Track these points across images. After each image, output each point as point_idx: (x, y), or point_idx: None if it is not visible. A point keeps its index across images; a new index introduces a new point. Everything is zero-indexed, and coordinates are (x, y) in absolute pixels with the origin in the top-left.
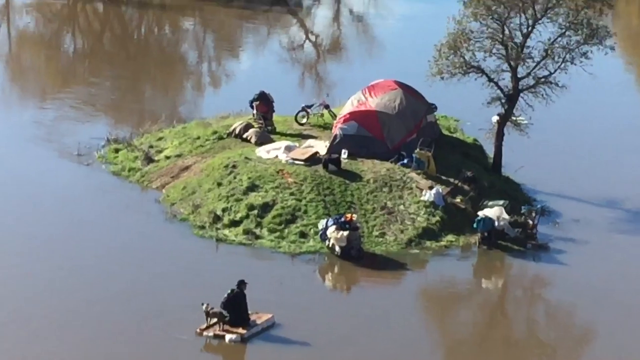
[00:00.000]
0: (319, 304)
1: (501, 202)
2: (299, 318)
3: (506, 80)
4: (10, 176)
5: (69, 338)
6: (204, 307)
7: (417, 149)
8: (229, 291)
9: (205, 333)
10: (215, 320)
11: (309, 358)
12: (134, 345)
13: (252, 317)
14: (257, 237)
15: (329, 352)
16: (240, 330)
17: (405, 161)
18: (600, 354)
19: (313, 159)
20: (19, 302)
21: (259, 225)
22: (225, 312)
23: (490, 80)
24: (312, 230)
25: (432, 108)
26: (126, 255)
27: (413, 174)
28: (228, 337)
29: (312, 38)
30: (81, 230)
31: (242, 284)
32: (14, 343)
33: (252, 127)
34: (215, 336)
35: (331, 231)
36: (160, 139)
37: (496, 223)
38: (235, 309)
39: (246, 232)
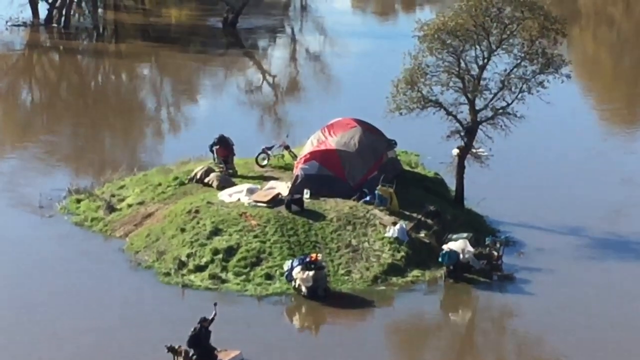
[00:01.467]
0: (288, 343)
1: (465, 234)
2: (268, 356)
3: (464, 113)
4: None
5: None
6: (168, 346)
7: (379, 186)
8: (192, 329)
9: None
10: (181, 359)
11: None
12: None
13: (220, 354)
14: (223, 281)
15: None
16: None
17: (368, 198)
18: None
19: (275, 201)
20: None
21: (224, 269)
22: (190, 350)
23: (448, 113)
24: (277, 271)
25: (392, 144)
26: (91, 302)
27: (376, 211)
28: None
29: (270, 79)
30: (44, 279)
31: (204, 321)
32: None
33: (213, 171)
34: None
35: (297, 272)
36: (121, 187)
37: (461, 256)
38: (199, 346)
39: (212, 276)
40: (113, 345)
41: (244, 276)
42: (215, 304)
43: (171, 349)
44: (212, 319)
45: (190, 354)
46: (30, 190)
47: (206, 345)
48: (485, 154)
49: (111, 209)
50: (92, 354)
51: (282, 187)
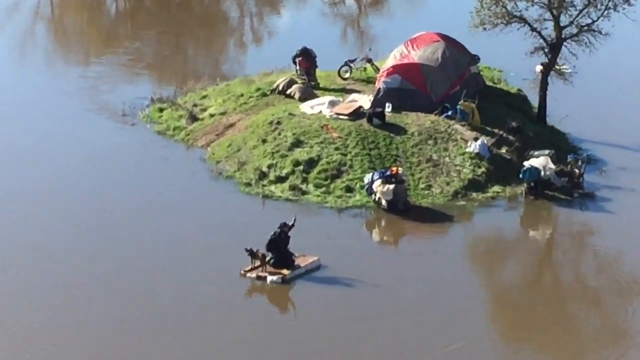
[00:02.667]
0: (366, 254)
1: (547, 151)
2: (347, 263)
3: (549, 29)
4: (58, 137)
5: (129, 268)
6: (248, 249)
7: (461, 101)
8: (272, 233)
9: (248, 275)
10: (258, 262)
11: (350, 302)
12: (181, 284)
13: (297, 259)
14: (304, 192)
15: (371, 296)
16: (284, 271)
17: (450, 113)
18: None
19: (357, 113)
20: (76, 240)
21: (305, 180)
22: (268, 254)
23: (532, 29)
24: (358, 184)
25: (475, 59)
26: (174, 209)
27: (457, 126)
28: (269, 278)
29: None
30: (126, 187)
31: (284, 226)
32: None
33: (296, 82)
34: (258, 278)
35: (377, 185)
36: (204, 97)
37: (542, 173)
38: (278, 250)
39: (292, 188)
40: (191, 250)
41: (324, 188)
42: (295, 216)
43: (250, 252)
44: (292, 225)
45: (268, 258)
46: (114, 97)
47: (284, 251)
48: (569, 70)
49: (193, 118)
50: (169, 257)
51: (364, 100)
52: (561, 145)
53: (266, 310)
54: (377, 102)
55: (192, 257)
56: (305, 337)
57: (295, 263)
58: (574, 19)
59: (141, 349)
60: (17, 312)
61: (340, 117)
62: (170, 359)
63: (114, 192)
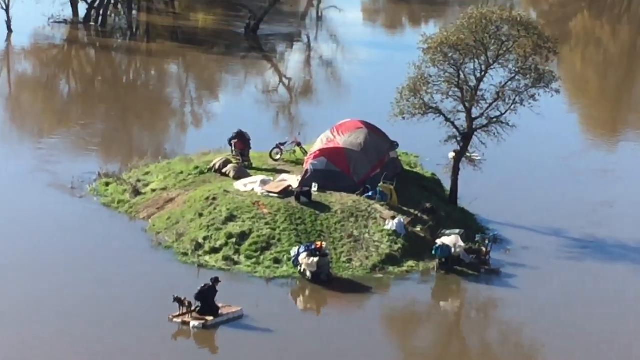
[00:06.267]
0: (291, 320)
1: (457, 231)
2: (271, 326)
3: (461, 120)
4: (9, 207)
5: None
6: (176, 297)
7: (381, 183)
8: (203, 285)
9: (175, 320)
10: (185, 309)
11: (271, 346)
12: (120, 332)
13: (223, 309)
14: (235, 262)
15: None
16: (208, 318)
17: (370, 194)
18: None
19: (286, 192)
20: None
21: (237, 252)
22: (195, 302)
23: (447, 120)
24: (285, 256)
25: (394, 145)
26: (114, 276)
27: (377, 206)
28: (192, 323)
29: (285, 81)
30: (71, 255)
31: (216, 281)
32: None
33: (231, 162)
34: (183, 323)
35: (303, 257)
36: (146, 173)
37: (453, 250)
38: (206, 301)
39: (225, 258)
40: (123, 313)
41: (254, 259)
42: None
43: (177, 299)
44: (219, 282)
45: (194, 307)
46: (64, 171)
47: (211, 303)
48: (479, 158)
49: (136, 192)
50: (106, 319)
51: (293, 180)
52: (470, 225)
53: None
54: (305, 182)
55: (127, 312)
56: None
57: (220, 312)
58: (484, 112)
59: None
60: None
61: (271, 194)
62: None
63: (57, 256)
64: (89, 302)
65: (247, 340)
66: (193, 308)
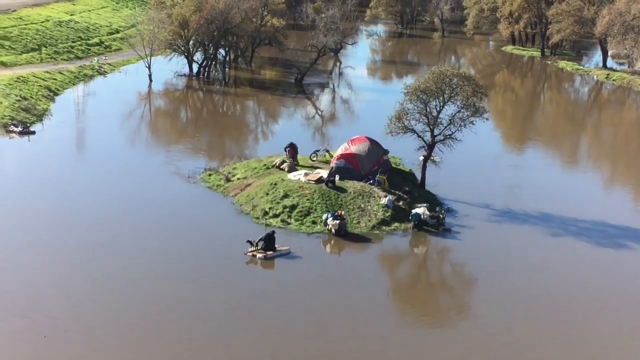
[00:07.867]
0: (322, 258)
1: (425, 204)
2: (309, 259)
3: (427, 136)
4: (150, 187)
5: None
6: (249, 241)
7: (378, 175)
8: (270, 231)
9: (248, 254)
10: (253, 247)
11: (308, 269)
12: (214, 262)
13: (278, 248)
14: (288, 223)
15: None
16: (268, 253)
17: (371, 182)
18: (482, 290)
19: (320, 180)
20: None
21: (289, 216)
22: (260, 242)
23: (418, 136)
24: (319, 220)
25: (386, 151)
26: (214, 229)
27: (376, 189)
28: (258, 255)
29: (319, 112)
30: (185, 220)
31: (272, 232)
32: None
33: (286, 162)
34: (253, 255)
35: (330, 220)
36: (234, 168)
37: (422, 216)
38: (267, 242)
39: (282, 221)
40: (217, 250)
41: (300, 221)
42: (274, 231)
43: (249, 242)
44: (274, 233)
45: (260, 246)
46: (183, 166)
47: (272, 244)
48: (438, 160)
49: (228, 180)
50: (205, 254)
51: (324, 173)
52: (433, 201)
53: (261, 275)
54: (331, 174)
55: (220, 250)
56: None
57: (276, 249)
58: (441, 132)
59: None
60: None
61: (310, 182)
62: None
63: (179, 219)
64: (197, 245)
65: (294, 266)
66: (259, 247)
